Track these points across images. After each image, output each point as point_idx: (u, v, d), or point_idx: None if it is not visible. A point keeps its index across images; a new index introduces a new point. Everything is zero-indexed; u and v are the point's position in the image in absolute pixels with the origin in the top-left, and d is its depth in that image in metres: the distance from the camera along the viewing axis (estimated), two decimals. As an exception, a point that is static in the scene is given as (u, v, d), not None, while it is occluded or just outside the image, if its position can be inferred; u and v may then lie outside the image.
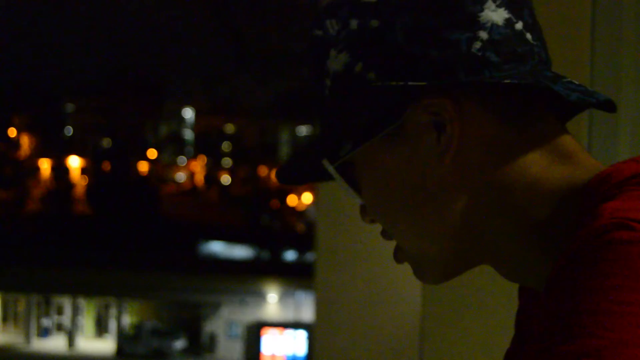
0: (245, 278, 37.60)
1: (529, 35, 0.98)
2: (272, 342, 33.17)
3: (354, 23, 0.98)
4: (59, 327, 42.27)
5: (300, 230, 60.70)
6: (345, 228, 4.36)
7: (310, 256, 42.78)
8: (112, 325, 41.69)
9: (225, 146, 78.09)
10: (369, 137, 0.98)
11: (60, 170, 71.72)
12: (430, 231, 0.99)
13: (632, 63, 2.04)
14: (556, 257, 0.87)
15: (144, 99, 75.67)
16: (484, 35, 0.95)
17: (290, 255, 54.26)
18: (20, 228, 58.43)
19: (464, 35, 0.95)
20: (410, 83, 0.94)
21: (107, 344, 40.09)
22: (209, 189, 75.03)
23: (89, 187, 69.88)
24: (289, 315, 35.48)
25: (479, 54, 0.95)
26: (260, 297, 37.29)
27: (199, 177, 77.33)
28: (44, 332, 41.84)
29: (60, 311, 42.47)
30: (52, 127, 74.78)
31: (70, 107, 77.11)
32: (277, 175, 1.08)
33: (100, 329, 42.57)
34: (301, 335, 32.43)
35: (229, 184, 74.14)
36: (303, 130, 75.42)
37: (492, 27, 0.96)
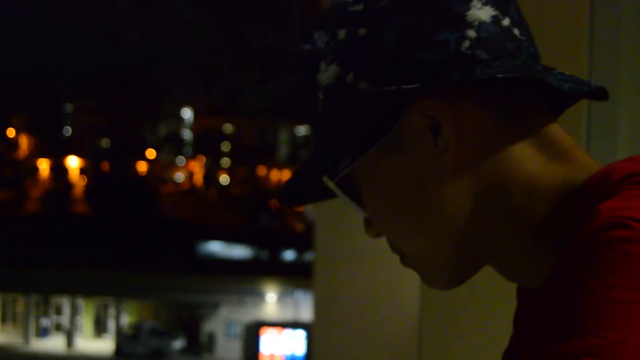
0: (244, 278, 37.63)
1: (516, 31, 0.98)
2: (271, 341, 33.18)
3: (341, 33, 0.98)
4: (58, 327, 42.32)
5: (299, 230, 60.77)
6: (344, 228, 4.36)
7: (309, 256, 42.82)
8: (111, 325, 41.74)
9: (224, 146, 78.14)
10: (367, 147, 0.97)
11: (59, 170, 71.78)
12: (435, 235, 0.98)
13: (631, 59, 2.04)
14: (555, 256, 0.87)
15: (142, 99, 75.71)
16: (472, 33, 0.95)
17: (289, 255, 54.34)
18: (19, 228, 58.45)
19: (453, 36, 0.94)
20: (403, 87, 0.94)
21: (106, 344, 40.12)
22: (208, 189, 75.09)
23: (88, 188, 69.94)
24: (288, 315, 35.51)
25: (469, 52, 0.94)
26: (259, 296, 37.33)
27: (198, 177, 77.39)
28: (43, 332, 41.89)
29: (59, 311, 42.52)
30: (51, 128, 74.83)
31: (69, 107, 77.17)
32: (278, 197, 1.06)
33: (99, 329, 42.62)
34: (300, 335, 32.45)
35: (228, 184, 74.20)
36: (302, 130, 75.46)
37: (480, 25, 0.95)
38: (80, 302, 42.02)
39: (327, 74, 0.98)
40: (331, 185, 1.00)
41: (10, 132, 73.05)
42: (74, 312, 41.37)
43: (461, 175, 0.96)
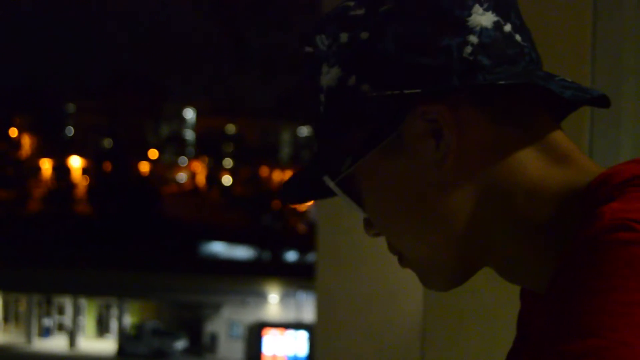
0: (246, 278, 37.61)
1: (518, 37, 0.98)
2: (273, 342, 33.18)
3: (344, 36, 0.98)
4: (60, 327, 42.30)
5: (302, 231, 60.76)
6: (347, 228, 4.36)
7: (311, 256, 42.80)
8: (113, 325, 41.72)
9: (227, 146, 78.13)
10: (368, 150, 0.98)
11: (61, 170, 71.80)
12: (434, 238, 0.99)
13: (634, 63, 2.04)
14: (557, 259, 0.87)
15: (145, 99, 75.73)
16: (474, 39, 0.95)
17: (291, 255, 54.31)
18: (22, 228, 58.48)
19: (455, 41, 0.95)
20: (405, 91, 0.94)
21: (108, 344, 40.12)
22: (210, 190, 75.09)
23: (90, 187, 69.95)
24: (290, 316, 35.49)
25: (471, 58, 0.95)
26: (262, 297, 37.30)
27: (200, 178, 77.39)
28: (45, 332, 41.88)
29: (61, 311, 42.51)
30: (54, 128, 74.87)
31: (71, 107, 77.20)
32: (280, 195, 1.07)
33: (102, 329, 42.60)
34: (302, 336, 32.44)
35: (230, 185, 74.19)
36: (304, 130, 75.45)
37: (482, 31, 0.95)
38: (83, 302, 42.01)
39: (329, 76, 0.99)
40: (332, 185, 1.01)
41: (13, 132, 73.08)
42: (77, 312, 41.36)
43: (462, 179, 0.96)
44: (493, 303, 2.12)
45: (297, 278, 34.93)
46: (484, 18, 0.96)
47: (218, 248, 53.37)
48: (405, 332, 4.29)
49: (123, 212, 61.06)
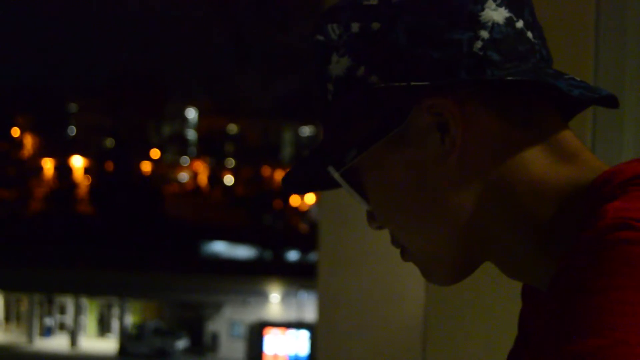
0: (247, 278, 37.62)
1: (529, 34, 0.98)
2: (274, 342, 33.18)
3: (355, 26, 0.98)
4: (62, 327, 42.31)
5: (303, 230, 60.76)
6: (348, 228, 4.36)
7: (312, 256, 42.80)
8: (115, 324, 41.72)
9: (228, 146, 78.14)
10: (374, 141, 0.98)
11: (63, 170, 71.82)
12: (437, 232, 0.99)
13: (636, 63, 2.04)
14: (560, 257, 0.87)
15: (147, 99, 75.76)
16: (485, 34, 0.95)
17: (292, 255, 54.29)
18: (23, 227, 58.50)
19: (465, 35, 0.95)
20: (413, 84, 0.94)
21: (110, 344, 40.12)
22: (212, 189, 75.10)
23: (92, 187, 69.98)
24: (292, 315, 35.48)
25: (481, 53, 0.95)
26: (263, 297, 37.30)
27: (202, 177, 77.40)
28: (47, 332, 41.89)
29: (62, 310, 42.52)
30: (55, 127, 74.89)
31: (73, 107, 77.21)
32: (283, 183, 1.07)
33: (103, 328, 42.61)
34: (304, 335, 32.44)
35: (232, 184, 74.20)
36: (306, 130, 75.45)
37: (493, 26, 0.95)
38: (84, 301, 42.01)
39: (338, 66, 0.99)
40: (336, 176, 1.01)
41: (15, 132, 73.12)
42: (78, 311, 41.37)
43: (467, 174, 0.96)
44: (494, 303, 2.12)
45: (298, 278, 34.93)
46: (496, 13, 0.96)
47: (219, 247, 53.37)
48: (407, 332, 4.29)
49: (125, 211, 61.08)
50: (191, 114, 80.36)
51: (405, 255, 1.03)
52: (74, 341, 40.15)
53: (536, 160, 0.95)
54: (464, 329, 2.21)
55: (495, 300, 2.10)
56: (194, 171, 77.99)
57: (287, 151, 78.14)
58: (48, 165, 72.47)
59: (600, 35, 2.03)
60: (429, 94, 0.95)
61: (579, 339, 0.78)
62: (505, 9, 0.97)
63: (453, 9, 0.95)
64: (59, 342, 40.77)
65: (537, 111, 0.97)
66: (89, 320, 42.47)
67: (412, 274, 1.07)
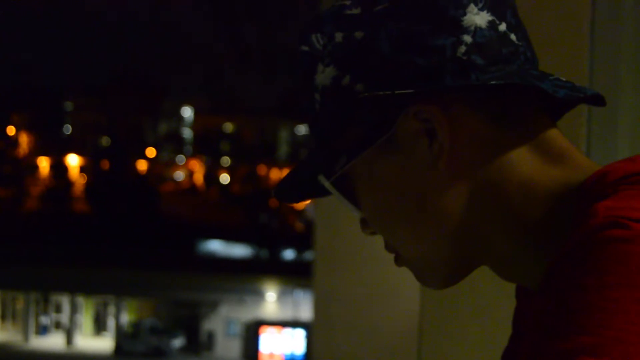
0: (243, 277, 37.62)
1: (513, 36, 0.98)
2: (270, 340, 33.18)
3: (338, 36, 0.99)
4: (58, 325, 42.30)
5: (299, 229, 60.74)
6: (344, 227, 4.37)
7: (308, 255, 42.79)
8: (111, 323, 41.72)
9: (224, 145, 78.10)
10: (363, 149, 0.98)
11: (59, 168, 71.74)
12: (429, 237, 0.99)
13: (631, 62, 2.05)
14: (552, 256, 0.87)
15: (143, 97, 75.68)
16: (468, 39, 0.95)
17: (288, 254, 54.30)
18: (19, 226, 58.42)
19: (448, 40, 0.95)
20: (397, 91, 0.94)
21: (106, 342, 40.12)
22: (208, 188, 75.05)
23: (88, 186, 69.89)
24: (288, 314, 35.50)
25: (464, 57, 0.95)
26: (259, 295, 37.31)
27: (198, 176, 77.36)
28: (43, 330, 41.87)
29: (58, 309, 42.50)
30: (51, 126, 74.81)
31: (69, 105, 77.13)
32: (275, 194, 1.08)
33: (99, 327, 42.60)
34: (299, 334, 32.45)
35: (228, 183, 74.16)
36: (302, 129, 75.43)
37: (476, 31, 0.96)
38: (80, 300, 42.00)
39: (324, 75, 1.00)
40: (327, 184, 1.01)
41: (11, 130, 73.02)
42: (74, 310, 41.35)
43: (456, 178, 0.97)
44: (489, 302, 2.12)
45: (294, 276, 34.93)
46: (478, 17, 0.96)
47: (216, 246, 53.35)
48: (402, 330, 4.30)
49: (121, 210, 61.03)
50: (187, 112, 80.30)
51: (399, 260, 1.04)
52: (69, 340, 40.14)
53: (525, 162, 0.96)
54: (459, 327, 2.22)
55: (490, 299, 2.11)
56: (190, 170, 77.94)
57: (283, 150, 78.12)
58: (44, 163, 72.39)
59: (595, 35, 2.04)
60: (415, 100, 0.95)
61: (571, 337, 0.79)
62: (487, 12, 0.97)
63: (435, 15, 0.96)
64: (54, 341, 40.76)
65: (524, 113, 0.98)
66: (85, 319, 42.46)
67: (407, 272, 1.07)
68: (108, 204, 63.45)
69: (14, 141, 73.06)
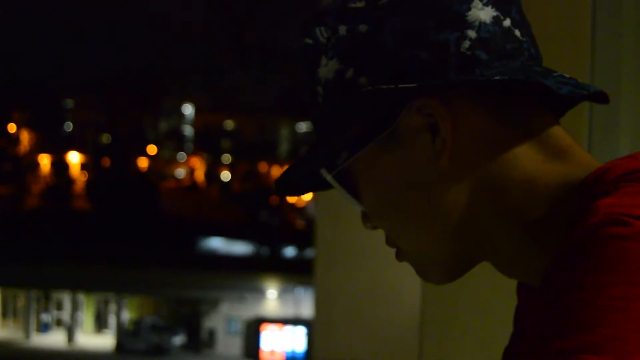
0: (244, 274, 37.62)
1: (517, 32, 0.98)
2: (271, 338, 33.18)
3: (342, 29, 0.99)
4: (59, 323, 42.30)
5: (300, 227, 60.76)
6: (345, 225, 4.37)
7: (309, 252, 42.80)
8: (112, 320, 41.71)
9: (225, 142, 78.10)
10: (365, 143, 0.98)
11: (59, 166, 71.77)
12: (430, 231, 0.99)
13: (633, 59, 2.04)
14: (552, 253, 0.87)
15: (143, 95, 75.68)
16: (472, 34, 0.95)
17: (289, 251, 54.31)
18: (20, 223, 58.45)
19: (453, 35, 0.95)
20: (400, 86, 0.94)
21: (107, 340, 40.11)
22: (209, 185, 75.07)
23: (89, 183, 69.92)
24: (289, 312, 35.49)
25: (468, 53, 0.95)
26: (260, 293, 37.30)
27: (199, 174, 77.37)
28: (44, 328, 41.86)
29: (59, 307, 42.50)
30: (52, 123, 74.82)
31: (70, 103, 77.14)
32: (276, 187, 1.08)
33: (100, 324, 42.59)
34: (300, 331, 32.45)
35: (229, 180, 74.18)
36: (303, 126, 75.41)
37: (480, 26, 0.96)
38: (81, 297, 41.99)
39: (327, 68, 0.99)
40: (329, 178, 1.01)
41: (12, 128, 73.03)
42: (75, 307, 41.34)
43: (458, 173, 0.97)
44: (490, 299, 2.12)
45: (295, 274, 34.93)
46: (483, 13, 0.96)
47: (216, 244, 53.36)
48: (403, 328, 4.30)
49: (121, 207, 61.03)
50: (188, 110, 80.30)
51: (400, 255, 1.04)
52: (70, 337, 40.14)
53: (527, 158, 0.96)
54: (460, 325, 2.22)
55: (491, 296, 2.11)
56: (191, 167, 77.96)
57: (283, 147, 78.11)
58: (45, 161, 72.41)
59: (596, 33, 2.04)
60: (418, 95, 0.95)
61: (570, 334, 0.78)
62: (492, 7, 0.97)
63: (439, 10, 0.95)
64: (55, 338, 40.75)
65: (527, 109, 0.97)
66: (86, 316, 42.45)
67: (408, 269, 1.07)
68: (109, 201, 63.46)
69: (14, 139, 73.07)
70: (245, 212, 63.13)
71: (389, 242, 1.05)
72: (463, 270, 1.02)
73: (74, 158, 72.68)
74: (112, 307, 41.88)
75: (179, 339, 38.06)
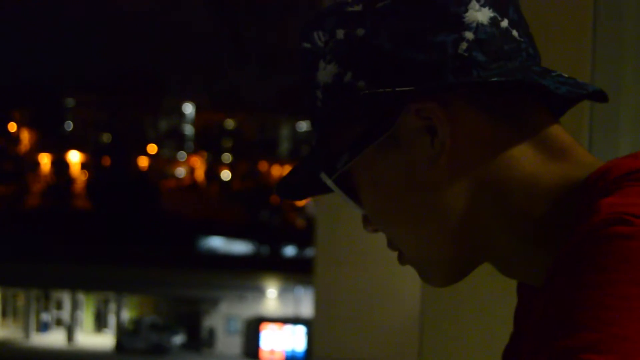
0: (244, 273, 37.63)
1: (515, 32, 0.98)
2: (271, 337, 33.20)
3: (340, 33, 0.99)
4: (59, 322, 42.33)
5: (300, 226, 60.76)
6: (345, 224, 4.37)
7: (309, 252, 42.79)
8: (112, 320, 41.75)
9: (226, 141, 78.11)
10: (364, 146, 0.98)
11: (60, 165, 71.77)
12: (431, 234, 0.99)
13: (634, 59, 2.04)
14: (555, 253, 0.87)
15: (144, 94, 75.70)
16: (469, 35, 0.95)
17: (289, 250, 54.32)
18: (20, 223, 58.44)
19: (450, 37, 0.95)
20: (398, 89, 0.94)
21: (107, 339, 40.14)
22: (209, 185, 75.06)
23: (89, 182, 69.93)
24: (288, 311, 35.50)
25: (466, 54, 0.95)
26: (260, 292, 37.32)
27: (199, 173, 77.37)
28: (44, 327, 41.90)
29: (59, 306, 42.53)
30: (52, 122, 74.80)
31: (70, 102, 77.13)
32: (277, 191, 1.08)
33: (100, 323, 42.63)
34: (300, 331, 32.47)
35: (229, 180, 74.18)
36: (303, 125, 75.41)
37: (478, 27, 0.96)
38: (81, 297, 42.03)
39: (325, 72, 0.99)
40: (328, 182, 1.01)
41: (12, 127, 73.04)
42: (75, 306, 41.37)
43: (458, 175, 0.97)
44: (490, 299, 2.12)
45: (295, 273, 34.94)
46: (480, 14, 0.96)
47: (216, 243, 53.37)
48: (403, 327, 4.30)
49: (122, 207, 61.03)
50: (188, 109, 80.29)
51: (402, 258, 1.04)
52: (70, 336, 40.17)
53: (527, 158, 0.96)
54: (460, 325, 2.22)
55: (491, 296, 2.11)
56: (191, 166, 77.94)
57: (284, 146, 78.10)
58: (45, 160, 72.41)
59: (597, 33, 2.03)
60: (416, 97, 0.95)
61: (575, 333, 0.78)
62: (489, 8, 0.97)
63: (436, 12, 0.95)
64: (55, 338, 40.78)
65: (526, 109, 0.97)
66: (86, 316, 42.49)
67: (408, 269, 1.07)
68: (109, 200, 63.46)
69: (15, 138, 73.07)
70: (246, 211, 63.14)
71: (391, 245, 1.05)
72: (465, 272, 1.02)
73: (75, 157, 72.69)
74: (112, 307, 41.91)
75: (178, 338, 38.09)
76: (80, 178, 71.51)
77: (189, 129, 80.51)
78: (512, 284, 1.09)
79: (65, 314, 41.92)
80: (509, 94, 0.97)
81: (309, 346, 27.43)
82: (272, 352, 33.02)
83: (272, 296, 37.29)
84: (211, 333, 38.52)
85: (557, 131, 0.98)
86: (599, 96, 1.01)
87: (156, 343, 37.25)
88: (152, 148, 75.77)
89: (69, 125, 76.49)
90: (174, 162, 78.23)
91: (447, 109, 0.95)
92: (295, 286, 35.64)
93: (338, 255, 4.55)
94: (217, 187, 73.77)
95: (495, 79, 0.94)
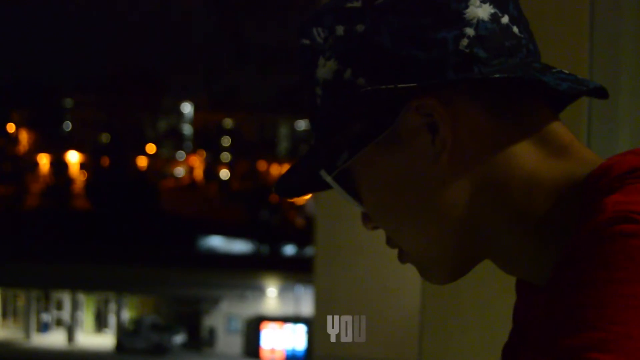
0: (244, 272, 37.61)
1: (515, 29, 0.98)
2: (271, 336, 33.19)
3: (339, 29, 0.98)
4: (59, 322, 42.29)
5: (300, 225, 60.71)
6: (345, 222, 4.37)
7: (309, 250, 42.82)
8: (112, 320, 41.70)
9: (224, 141, 78.07)
10: (364, 144, 0.98)
11: (59, 165, 71.71)
12: (432, 231, 0.99)
13: (631, 57, 2.05)
14: (556, 251, 0.87)
15: (142, 94, 75.65)
16: (470, 31, 0.95)
17: (289, 249, 54.31)
18: (19, 223, 58.41)
19: (451, 34, 0.95)
20: (399, 86, 0.94)
21: (107, 339, 40.11)
22: (208, 184, 75.02)
23: (88, 182, 69.85)
24: (289, 310, 35.49)
25: (467, 50, 0.95)
26: (260, 291, 37.30)
27: (198, 172, 77.33)
28: (44, 327, 41.85)
29: (59, 306, 42.49)
30: (51, 123, 74.76)
31: (69, 102, 77.08)
32: (276, 188, 1.07)
33: (100, 324, 42.58)
34: (301, 330, 32.45)
35: (228, 179, 74.13)
36: (302, 124, 75.37)
37: (478, 23, 0.95)
38: (81, 297, 41.98)
39: (325, 69, 0.99)
40: (328, 179, 1.01)
41: (10, 127, 72.99)
42: (75, 307, 41.34)
43: (459, 172, 0.97)
44: (490, 296, 2.12)
45: (295, 272, 34.93)
46: (481, 10, 0.96)
47: (216, 242, 53.36)
48: (403, 325, 4.30)
49: (121, 206, 60.99)
50: (187, 108, 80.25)
51: (402, 256, 1.03)
52: (71, 337, 40.14)
53: (528, 155, 0.96)
54: (460, 322, 2.22)
55: (491, 293, 2.11)
56: (190, 166, 77.91)
57: (283, 145, 78.07)
58: (44, 160, 72.36)
59: (595, 29, 2.04)
60: (417, 94, 0.95)
61: (580, 333, 0.78)
62: (490, 5, 0.97)
63: (437, 8, 0.95)
64: (56, 338, 40.75)
65: (526, 106, 0.97)
66: (86, 316, 42.44)
67: (408, 267, 1.07)
68: (108, 200, 63.40)
69: (13, 138, 73.03)
70: (245, 211, 63.10)
71: (390, 242, 1.04)
72: (465, 269, 1.02)
73: (73, 157, 72.64)
74: (112, 307, 41.87)
75: (179, 338, 38.06)
76: (79, 178, 71.46)
77: (187, 129, 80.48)
78: (512, 280, 1.09)
79: (66, 314, 41.89)
80: (509, 91, 0.97)
81: (309, 345, 27.43)
82: (272, 351, 33.02)
83: (272, 295, 37.28)
84: (211, 332, 38.50)
85: (558, 128, 0.98)
86: (600, 93, 1.01)
87: (157, 343, 37.23)
88: (151, 148, 75.74)
89: (68, 126, 76.45)
90: (173, 161, 78.20)
91: (448, 105, 0.95)
92: (295, 285, 35.63)
93: (338, 254, 4.55)
94: (216, 187, 73.72)
95: (496, 75, 0.93)
